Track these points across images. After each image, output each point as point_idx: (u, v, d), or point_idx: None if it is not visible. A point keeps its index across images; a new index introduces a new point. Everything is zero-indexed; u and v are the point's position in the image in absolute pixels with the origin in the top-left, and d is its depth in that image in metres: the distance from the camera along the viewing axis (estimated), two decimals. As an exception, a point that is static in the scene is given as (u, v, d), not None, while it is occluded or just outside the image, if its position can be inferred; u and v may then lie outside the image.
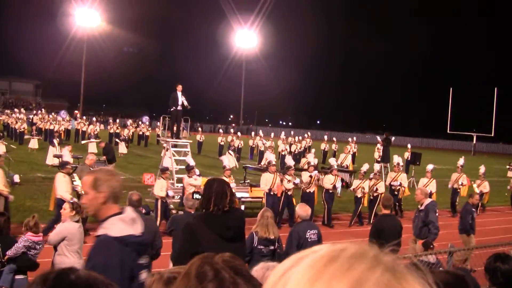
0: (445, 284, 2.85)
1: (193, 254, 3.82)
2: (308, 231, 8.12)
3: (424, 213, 10.38)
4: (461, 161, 20.98)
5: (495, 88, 64.07)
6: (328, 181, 16.08)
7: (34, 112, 58.59)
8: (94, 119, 45.03)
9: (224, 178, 13.91)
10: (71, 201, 8.89)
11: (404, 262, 0.94)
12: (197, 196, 4.78)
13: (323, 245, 0.97)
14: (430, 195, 18.03)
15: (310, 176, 15.97)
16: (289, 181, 15.33)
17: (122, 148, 33.70)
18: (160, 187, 13.90)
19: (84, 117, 53.25)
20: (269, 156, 17.71)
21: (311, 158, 17.46)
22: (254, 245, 7.65)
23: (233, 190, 4.58)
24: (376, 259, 0.89)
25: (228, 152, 28.63)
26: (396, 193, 17.96)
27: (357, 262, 0.88)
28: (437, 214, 10.54)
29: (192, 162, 15.10)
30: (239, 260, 1.59)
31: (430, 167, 18.99)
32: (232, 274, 1.50)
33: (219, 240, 4.25)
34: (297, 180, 15.45)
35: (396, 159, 19.41)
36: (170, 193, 14.42)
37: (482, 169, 20.86)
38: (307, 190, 15.80)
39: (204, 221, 4.37)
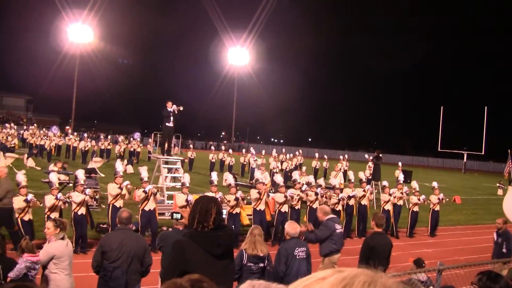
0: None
1: (181, 272, 3.84)
2: (297, 248, 8.09)
3: None
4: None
5: (485, 107, 64.51)
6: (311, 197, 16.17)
7: (25, 127, 58.35)
8: (85, 135, 44.91)
9: (211, 194, 14.08)
10: (53, 218, 8.85)
11: (405, 284, 0.96)
12: (176, 216, 4.77)
13: (327, 271, 0.99)
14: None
15: (301, 191, 16.08)
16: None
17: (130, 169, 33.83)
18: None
19: (75, 133, 53.02)
20: (256, 174, 17.82)
21: (296, 176, 17.55)
22: (244, 263, 7.63)
23: (221, 209, 4.53)
24: (386, 286, 0.91)
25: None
26: None
27: None
28: (334, 231, 10.28)
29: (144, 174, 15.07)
30: (208, 282, 1.55)
31: (435, 184, 19.33)
32: None
33: (209, 257, 4.23)
34: (289, 192, 15.44)
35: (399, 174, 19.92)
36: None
37: (434, 183, 19.86)
38: (295, 207, 15.89)
39: (193, 239, 4.33)
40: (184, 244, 4.35)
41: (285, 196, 15.25)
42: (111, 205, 13.97)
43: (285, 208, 15.36)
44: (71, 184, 19.48)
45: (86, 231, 13.31)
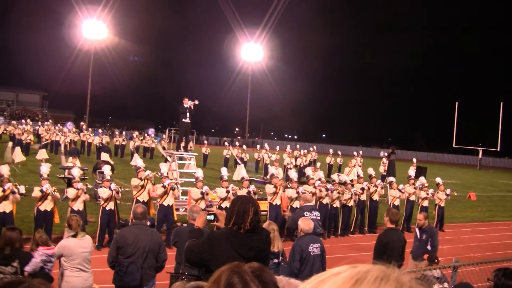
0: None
1: (202, 259, 3.93)
2: (311, 245, 8.09)
3: None
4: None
5: (501, 103, 63.91)
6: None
7: (40, 123, 58.69)
8: (100, 131, 45.07)
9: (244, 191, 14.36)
10: (69, 216, 8.88)
11: (418, 280, 0.97)
12: (209, 217, 4.73)
13: (342, 267, 1.00)
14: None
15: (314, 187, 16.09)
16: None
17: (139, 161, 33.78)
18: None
19: (90, 129, 53.21)
20: (271, 170, 17.95)
21: (310, 172, 17.60)
22: (258, 258, 7.63)
23: (258, 209, 4.46)
24: (399, 280, 0.92)
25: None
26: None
27: (382, 285, 0.91)
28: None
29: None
30: (269, 272, 1.57)
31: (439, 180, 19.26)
32: (260, 286, 1.50)
33: (238, 258, 4.12)
34: (301, 188, 15.51)
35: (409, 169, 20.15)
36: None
37: (438, 179, 19.51)
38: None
39: (226, 237, 4.32)
40: (218, 239, 4.35)
41: (297, 192, 15.30)
42: (134, 199, 14.07)
43: (296, 204, 15.34)
44: (87, 177, 19.75)
45: (112, 227, 13.38)
